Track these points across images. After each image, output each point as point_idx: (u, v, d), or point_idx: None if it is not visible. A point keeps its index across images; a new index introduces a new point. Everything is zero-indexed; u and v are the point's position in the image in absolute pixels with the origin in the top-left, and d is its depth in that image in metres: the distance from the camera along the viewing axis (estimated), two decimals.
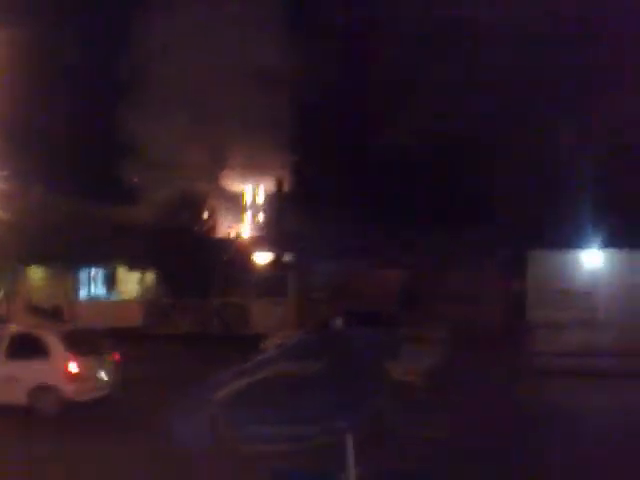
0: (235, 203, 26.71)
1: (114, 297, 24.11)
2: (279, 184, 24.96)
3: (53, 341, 10.05)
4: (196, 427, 7.28)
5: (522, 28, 17.78)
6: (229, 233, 24.17)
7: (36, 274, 23.22)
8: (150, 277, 22.65)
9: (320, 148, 23.73)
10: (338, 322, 13.01)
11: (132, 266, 22.44)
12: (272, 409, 7.08)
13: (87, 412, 10.00)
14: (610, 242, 14.92)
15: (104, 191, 21.94)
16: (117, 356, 11.06)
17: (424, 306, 19.16)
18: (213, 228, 22.80)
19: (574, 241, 15.28)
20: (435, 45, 20.55)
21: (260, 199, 27.99)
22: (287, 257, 22.72)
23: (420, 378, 10.27)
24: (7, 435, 8.94)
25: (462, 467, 7.02)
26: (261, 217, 27.74)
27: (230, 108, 23.77)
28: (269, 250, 23.13)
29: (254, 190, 27.68)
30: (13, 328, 11.10)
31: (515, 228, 17.76)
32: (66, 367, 9.90)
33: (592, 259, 14.58)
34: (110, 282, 24.62)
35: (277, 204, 24.91)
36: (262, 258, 23.61)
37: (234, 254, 21.90)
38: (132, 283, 23.39)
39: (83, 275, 24.14)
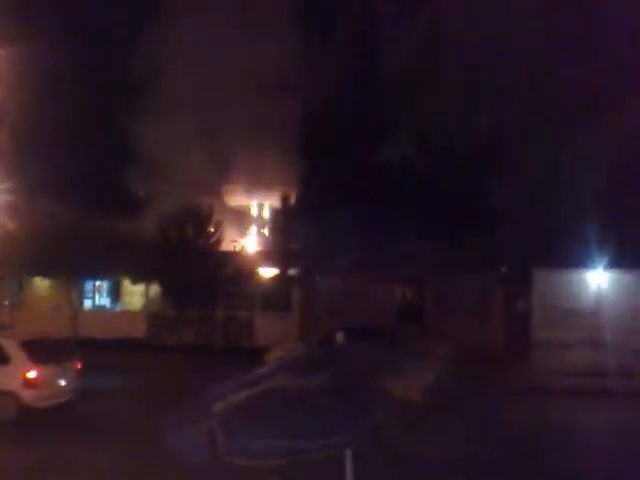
0: (241, 218, 26.81)
1: (119, 308, 24.12)
2: (285, 199, 25.05)
3: (13, 348, 10.34)
4: (193, 440, 7.19)
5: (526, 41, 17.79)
6: (234, 247, 24.08)
7: (41, 284, 23.33)
8: (155, 289, 22.63)
9: (327, 163, 23.95)
10: (340, 337, 13.12)
11: (137, 278, 22.40)
12: (271, 423, 6.99)
13: (48, 417, 10.24)
14: (616, 262, 14.81)
15: (109, 203, 22.03)
16: (79, 364, 11.28)
17: (426, 323, 19.34)
18: (218, 242, 22.63)
19: (580, 260, 15.19)
20: (441, 56, 20.66)
21: (266, 214, 28.10)
22: (292, 272, 22.75)
23: (421, 395, 10.22)
24: None
25: None
26: (266, 232, 27.81)
27: (238, 122, 23.97)
28: (274, 265, 23.23)
29: (260, 205, 27.80)
30: None
31: (520, 245, 17.69)
32: (25, 374, 10.16)
33: (598, 279, 14.49)
34: (115, 293, 24.67)
35: (282, 219, 24.99)
36: (267, 272, 23.65)
37: (239, 268, 21.88)
38: (137, 294, 23.42)
39: (88, 286, 24.26)
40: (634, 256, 14.98)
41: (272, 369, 8.47)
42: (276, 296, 21.63)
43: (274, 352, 14.44)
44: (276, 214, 26.69)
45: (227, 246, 23.76)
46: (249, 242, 26.79)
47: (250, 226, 27.84)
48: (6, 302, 22.97)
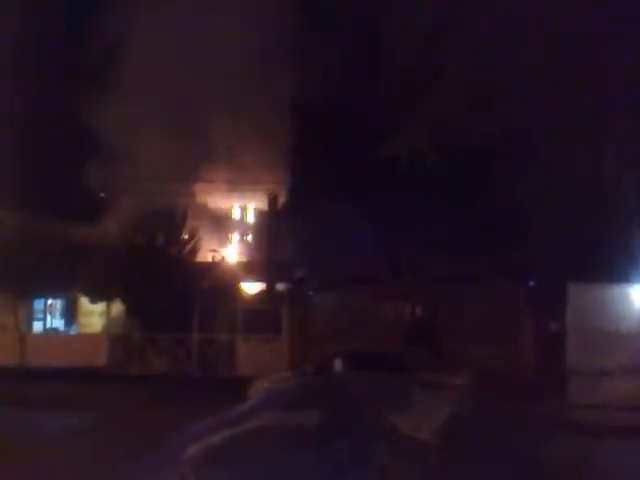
0: (220, 222, 26.86)
1: (75, 331, 24.06)
2: (272, 201, 25.12)
3: None
4: None
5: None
6: (213, 257, 24.17)
7: None
8: (118, 308, 22.60)
9: (321, 158, 24.07)
10: (338, 364, 13.14)
11: (96, 296, 22.39)
12: (256, 469, 6.93)
13: None
14: None
15: (63, 206, 22.01)
16: None
17: (440, 347, 19.07)
18: (194, 251, 22.73)
19: (622, 273, 15.21)
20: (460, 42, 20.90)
21: (250, 218, 28.17)
22: (281, 287, 22.81)
23: (435, 435, 10.17)
24: None
25: None
26: (251, 239, 27.87)
27: (216, 111, 24.07)
28: (260, 278, 23.26)
29: (243, 207, 27.87)
30: None
31: (552, 256, 17.73)
32: None
33: None
34: (70, 313, 24.60)
35: (269, 224, 25.09)
36: (251, 287, 23.61)
37: (218, 282, 21.93)
38: (96, 315, 23.37)
39: (38, 305, 24.17)
40: None
41: (258, 404, 8.40)
42: (262, 316, 21.61)
43: (260, 383, 14.38)
44: (262, 218, 26.79)
45: (204, 256, 23.84)
46: (230, 251, 26.82)
47: (231, 232, 27.87)
48: None
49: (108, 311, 22.76)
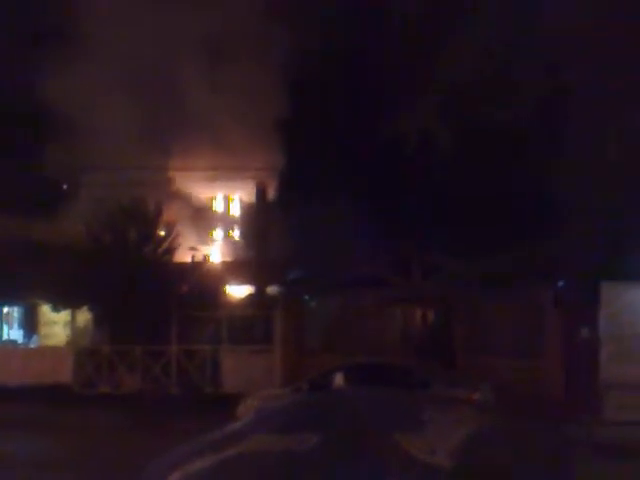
0: (202, 216, 26.84)
1: (35, 343, 24.06)
2: (261, 190, 25.15)
3: None
4: None
5: None
6: (193, 257, 24.15)
7: None
8: (84, 316, 22.63)
9: (318, 141, 24.06)
10: (339, 379, 13.20)
11: (59, 303, 22.40)
12: None
13: None
14: None
15: (20, 199, 21.96)
16: None
17: (456, 357, 19.25)
18: (171, 250, 22.58)
19: None
20: None
21: (235, 210, 28.23)
22: (272, 290, 22.85)
23: (450, 459, 10.18)
24: None
25: None
26: (237, 235, 27.94)
27: (196, 85, 24.12)
28: (248, 281, 23.22)
29: (228, 198, 27.92)
30: None
31: (584, 251, 17.78)
32: None
33: None
34: (29, 323, 24.61)
35: (259, 217, 25.14)
36: (238, 291, 23.63)
37: (200, 285, 21.93)
38: (60, 325, 23.41)
39: None
40: None
41: (246, 426, 8.39)
42: (251, 324, 21.68)
43: (249, 402, 14.48)
44: (250, 210, 26.83)
45: (183, 256, 23.81)
46: (213, 250, 26.86)
47: (215, 228, 27.94)
48: None
49: (73, 320, 22.76)
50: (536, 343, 18.46)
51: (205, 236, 27.00)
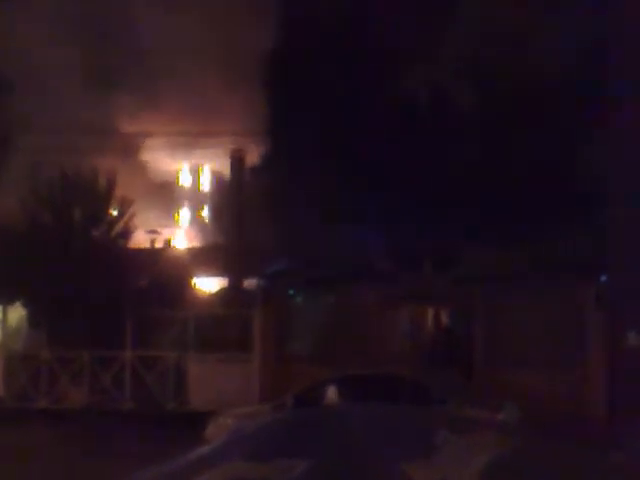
0: (164, 192, 26.82)
1: None
2: (237, 160, 25.10)
3: None
4: None
5: None
6: (153, 241, 24.23)
7: None
8: (17, 314, 22.60)
9: (308, 98, 23.95)
10: (332, 393, 13.26)
11: None
12: None
13: None
14: None
15: None
16: None
17: (475, 369, 19.30)
18: (126, 233, 22.56)
19: None
20: None
21: (205, 185, 28.32)
22: (250, 284, 22.82)
23: None
24: None
25: None
26: (207, 216, 28.06)
27: (156, 33, 24.17)
28: (220, 272, 23.25)
29: (196, 170, 28.03)
30: None
31: (630, 241, 17.82)
32: None
33: None
34: None
35: (234, 194, 25.09)
36: (208, 285, 23.67)
37: (161, 277, 21.93)
38: None
39: None
40: None
41: (217, 450, 8.42)
42: (224, 325, 21.61)
43: (220, 420, 14.48)
44: (223, 185, 26.87)
45: (141, 240, 23.89)
46: (177, 233, 27.01)
47: (180, 206, 28.08)
48: None
49: (4, 319, 22.67)
50: (574, 350, 18.51)
51: (168, 217, 27.07)
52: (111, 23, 24.19)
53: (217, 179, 27.78)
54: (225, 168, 26.16)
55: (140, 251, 23.07)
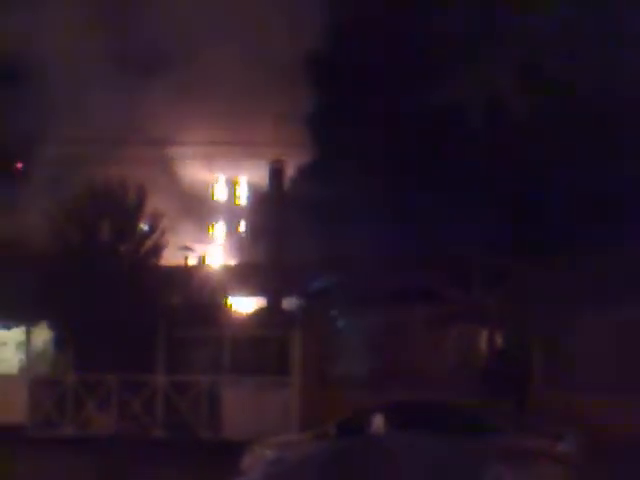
0: (198, 205, 27.00)
1: None
2: (276, 173, 24.96)
3: None
4: None
5: None
6: (186, 258, 24.11)
7: None
8: (43, 336, 22.49)
9: (351, 110, 24.32)
10: (378, 421, 12.67)
11: (11, 318, 22.35)
12: None
13: None
14: None
15: None
16: None
17: (534, 395, 19.20)
18: (157, 250, 22.33)
19: None
20: None
21: (242, 199, 28.34)
22: (290, 304, 22.85)
23: None
24: None
25: None
26: (244, 231, 28.06)
27: (192, 40, 24.34)
28: (257, 291, 23.31)
29: (232, 183, 28.03)
30: None
31: None
32: None
33: None
34: None
35: (273, 208, 24.98)
36: (244, 304, 23.61)
37: (194, 296, 21.82)
38: (11, 346, 23.23)
39: None
40: None
41: None
42: (261, 348, 21.48)
43: (259, 450, 14.03)
44: (261, 198, 26.79)
45: (173, 257, 23.72)
46: (212, 250, 26.93)
47: (215, 221, 28.10)
48: None
49: (28, 342, 22.68)
50: None
51: (202, 232, 27.14)
52: (148, 29, 24.39)
53: (254, 192, 27.88)
54: (263, 181, 26.09)
55: (172, 269, 22.99)
